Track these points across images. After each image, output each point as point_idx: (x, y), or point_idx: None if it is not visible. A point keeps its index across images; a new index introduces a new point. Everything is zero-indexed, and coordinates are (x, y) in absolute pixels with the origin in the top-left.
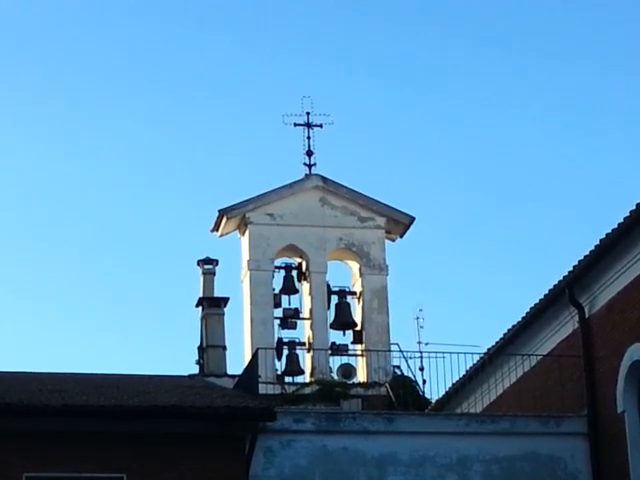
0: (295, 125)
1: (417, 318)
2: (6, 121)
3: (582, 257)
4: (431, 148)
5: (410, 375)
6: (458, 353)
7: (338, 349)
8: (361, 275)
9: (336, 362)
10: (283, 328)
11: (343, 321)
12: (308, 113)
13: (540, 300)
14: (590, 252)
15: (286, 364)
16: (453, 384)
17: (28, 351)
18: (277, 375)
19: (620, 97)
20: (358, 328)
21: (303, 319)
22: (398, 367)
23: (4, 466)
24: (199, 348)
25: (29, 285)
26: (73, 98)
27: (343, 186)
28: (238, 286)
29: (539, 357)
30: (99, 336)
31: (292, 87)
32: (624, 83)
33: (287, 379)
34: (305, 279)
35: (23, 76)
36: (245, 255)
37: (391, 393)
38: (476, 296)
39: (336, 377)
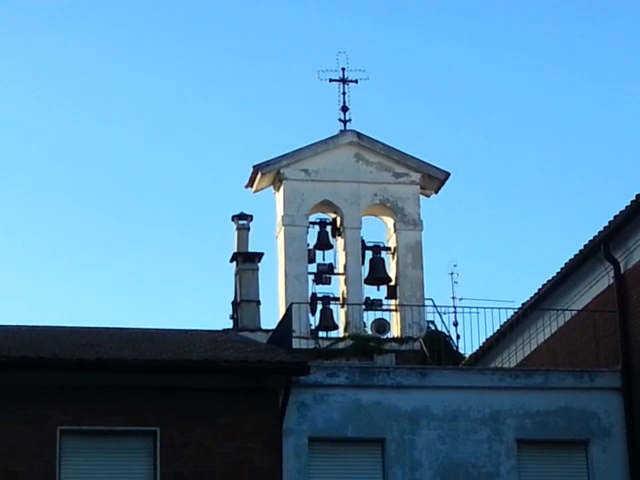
0: (330, 81)
1: (451, 273)
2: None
3: (618, 213)
4: (467, 104)
5: (444, 330)
6: (492, 308)
7: (372, 304)
8: (395, 230)
9: (370, 317)
10: (317, 283)
11: (377, 276)
12: (343, 69)
13: (575, 255)
14: (626, 208)
15: (320, 319)
16: (487, 339)
17: (63, 306)
18: (311, 330)
19: None
20: (392, 283)
21: (337, 274)
22: (432, 322)
23: (39, 419)
24: (233, 303)
25: (64, 240)
26: (105, 54)
27: (378, 142)
28: (272, 242)
29: (573, 312)
30: (134, 291)
31: (327, 43)
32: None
33: (321, 334)
34: (339, 235)
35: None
36: (279, 211)
37: (425, 348)
38: (510, 251)
39: (370, 332)
